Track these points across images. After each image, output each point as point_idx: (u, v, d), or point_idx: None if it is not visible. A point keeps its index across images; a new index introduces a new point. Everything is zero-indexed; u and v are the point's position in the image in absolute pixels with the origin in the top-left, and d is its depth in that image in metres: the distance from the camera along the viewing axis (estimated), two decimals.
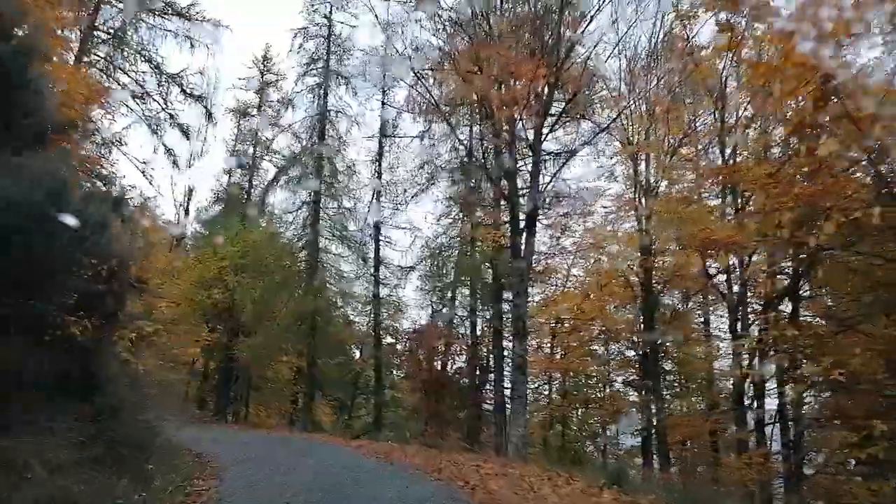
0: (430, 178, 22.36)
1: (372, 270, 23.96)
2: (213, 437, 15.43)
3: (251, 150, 29.26)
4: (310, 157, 23.09)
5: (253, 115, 30.52)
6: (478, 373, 20.58)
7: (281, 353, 23.31)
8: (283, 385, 29.34)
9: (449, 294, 25.30)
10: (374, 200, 24.10)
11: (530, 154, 13.71)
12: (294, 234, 23.44)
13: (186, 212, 31.70)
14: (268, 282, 22.00)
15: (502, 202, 15.92)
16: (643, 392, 16.17)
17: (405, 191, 23.71)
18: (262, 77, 30.52)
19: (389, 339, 27.17)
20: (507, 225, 14.11)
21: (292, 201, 23.61)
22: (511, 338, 14.03)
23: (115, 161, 15.96)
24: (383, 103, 24.21)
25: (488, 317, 22.70)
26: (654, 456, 16.98)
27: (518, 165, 14.97)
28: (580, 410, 22.02)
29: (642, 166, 16.68)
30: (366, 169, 24.38)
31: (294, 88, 23.45)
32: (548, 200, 15.43)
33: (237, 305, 22.85)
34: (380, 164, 24.23)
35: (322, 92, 23.22)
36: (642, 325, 16.89)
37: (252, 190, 28.81)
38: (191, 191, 31.98)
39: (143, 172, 16.28)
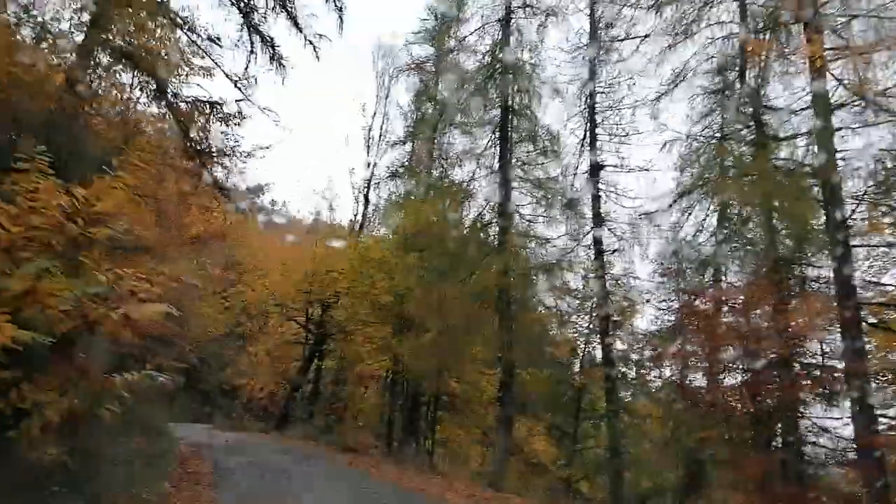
0: (677, 76, 14.05)
1: (590, 237, 16.13)
2: None
3: (430, 109, 23.47)
4: (490, 79, 16.17)
5: (430, 72, 24.97)
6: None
7: (463, 358, 16.49)
8: (483, 405, 22.71)
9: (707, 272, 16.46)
10: (587, 133, 16.32)
11: None
12: (475, 189, 16.60)
13: (366, 200, 27.09)
14: (439, 258, 15.44)
15: None
16: None
17: (634, 111, 15.70)
18: (439, 25, 24.75)
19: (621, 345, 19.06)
20: None
21: (470, 144, 16.81)
22: None
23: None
24: None
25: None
26: None
27: None
28: None
29: None
30: (571, 91, 16.73)
31: None
32: None
33: (403, 292, 16.68)
34: (592, 81, 16.46)
35: None
36: None
37: (435, 157, 22.81)
38: (369, 180, 27.29)
39: (235, 84, 10.62)
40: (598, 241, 15.71)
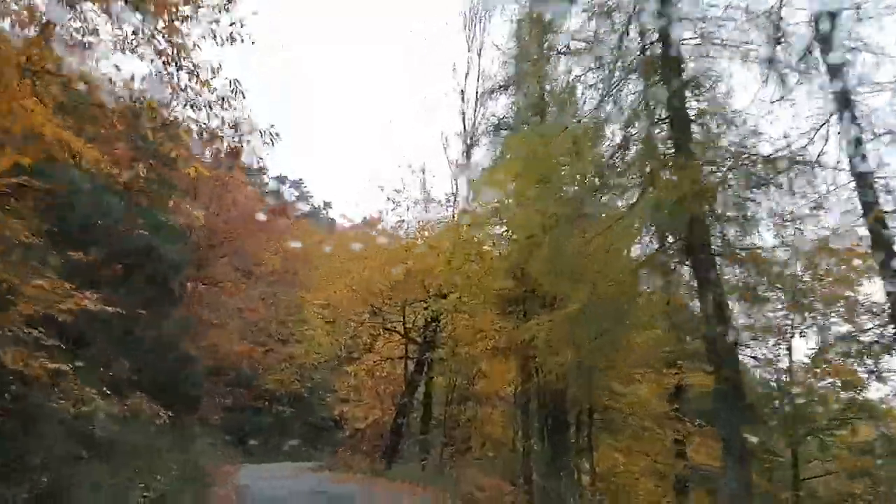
0: None
1: (826, 129, 9.53)
2: None
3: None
4: None
5: None
6: None
7: (626, 345, 10.43)
8: (655, 420, 16.28)
9: None
10: None
11: None
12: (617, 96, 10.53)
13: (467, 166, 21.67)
14: (573, 187, 9.62)
15: None
16: None
17: None
18: None
19: None
20: None
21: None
22: None
23: None
24: None
25: None
26: None
27: None
28: None
29: None
30: None
31: None
32: None
33: (525, 253, 10.88)
34: None
35: None
36: None
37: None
38: (468, 146, 21.87)
39: None
40: (849, 121, 9.05)
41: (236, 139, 8.87)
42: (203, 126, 8.25)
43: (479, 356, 17.05)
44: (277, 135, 9.04)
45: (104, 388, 7.05)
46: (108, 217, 8.52)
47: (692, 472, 15.91)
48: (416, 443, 19.27)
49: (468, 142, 21.54)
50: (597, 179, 9.44)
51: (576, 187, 10.93)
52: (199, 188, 14.38)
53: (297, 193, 54.31)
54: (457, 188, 21.20)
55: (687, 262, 8.42)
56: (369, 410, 21.87)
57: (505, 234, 13.53)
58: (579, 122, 11.90)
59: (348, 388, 23.96)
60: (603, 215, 10.48)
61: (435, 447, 19.02)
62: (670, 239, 9.63)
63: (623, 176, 10.38)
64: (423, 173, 20.21)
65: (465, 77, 22.28)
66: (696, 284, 8.32)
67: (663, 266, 9.16)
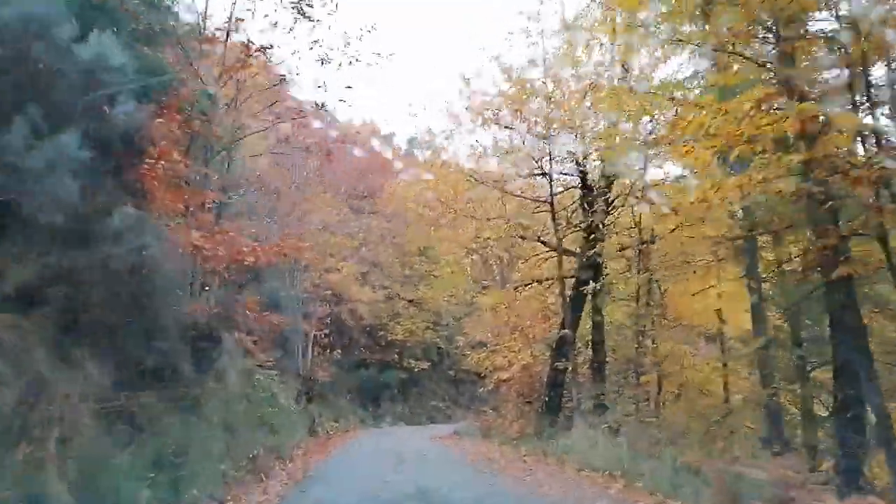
0: None
1: None
2: None
3: None
4: None
5: None
6: None
7: None
8: None
9: None
10: None
11: None
12: None
13: None
14: None
15: None
16: None
17: None
18: None
19: None
20: None
21: None
22: None
23: None
24: None
25: None
26: None
27: None
28: None
29: None
30: None
31: None
32: None
33: None
34: None
35: None
36: None
37: None
38: None
39: None
40: None
41: None
42: None
43: (686, 253, 10.06)
44: None
45: None
46: None
47: None
48: (588, 397, 12.78)
49: None
50: None
51: None
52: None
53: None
54: None
55: None
56: (514, 356, 15.73)
57: None
58: None
59: (484, 329, 18.02)
60: None
61: (617, 404, 12.40)
62: None
63: None
64: None
65: None
66: None
67: None
